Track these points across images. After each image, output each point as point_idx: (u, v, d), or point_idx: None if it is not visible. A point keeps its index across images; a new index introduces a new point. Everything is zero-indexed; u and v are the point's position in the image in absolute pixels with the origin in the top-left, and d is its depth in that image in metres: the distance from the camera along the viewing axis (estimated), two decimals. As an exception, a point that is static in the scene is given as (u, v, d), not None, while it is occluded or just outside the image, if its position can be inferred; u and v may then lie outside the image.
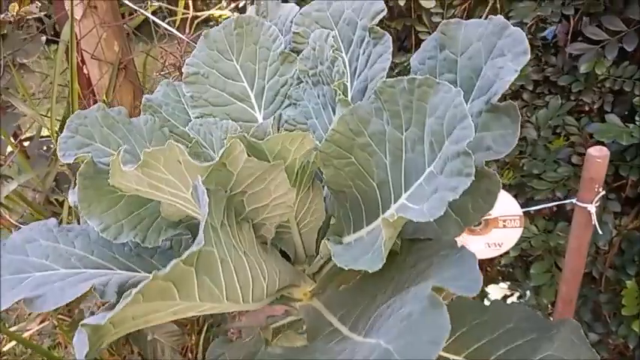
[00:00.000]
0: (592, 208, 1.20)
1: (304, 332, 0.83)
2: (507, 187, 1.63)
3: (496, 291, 1.93)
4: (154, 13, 2.29)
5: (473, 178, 0.56)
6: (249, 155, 0.67)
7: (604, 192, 1.20)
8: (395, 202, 0.71)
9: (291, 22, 0.98)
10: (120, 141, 0.85)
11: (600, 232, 1.23)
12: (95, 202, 0.77)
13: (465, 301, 0.88)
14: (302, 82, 0.93)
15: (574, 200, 1.23)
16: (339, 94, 0.76)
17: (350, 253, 0.69)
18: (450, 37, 0.75)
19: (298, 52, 0.95)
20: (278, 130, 0.94)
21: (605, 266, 1.65)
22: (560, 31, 1.55)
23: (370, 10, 0.89)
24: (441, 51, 0.76)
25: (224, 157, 0.65)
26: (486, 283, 1.98)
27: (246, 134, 0.69)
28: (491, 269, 2.07)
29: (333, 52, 0.80)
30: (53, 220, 0.84)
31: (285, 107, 0.95)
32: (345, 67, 0.92)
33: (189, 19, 2.19)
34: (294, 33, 0.96)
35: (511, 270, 1.91)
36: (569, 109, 1.56)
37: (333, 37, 0.82)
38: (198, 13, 2.20)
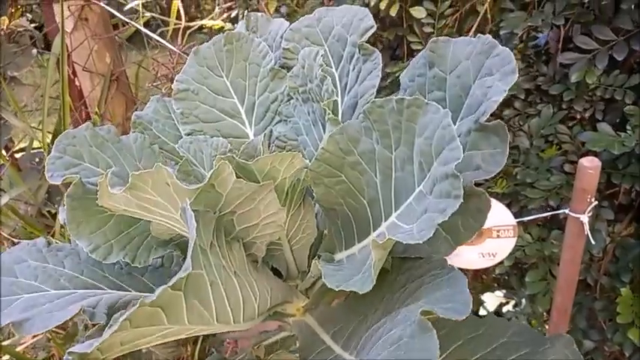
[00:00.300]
0: (584, 218, 1.20)
1: (296, 351, 0.82)
2: (501, 196, 1.63)
3: (492, 299, 1.93)
4: (147, 22, 2.29)
5: (461, 200, 0.56)
6: (238, 176, 0.67)
7: (596, 202, 1.21)
8: (385, 220, 0.71)
9: (281, 37, 0.98)
10: (109, 160, 0.84)
11: (593, 242, 1.23)
12: (84, 223, 0.77)
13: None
14: (292, 98, 0.93)
15: (567, 210, 1.24)
16: (329, 113, 0.76)
17: (340, 274, 0.69)
18: (439, 55, 0.75)
19: (288, 68, 0.95)
20: (269, 146, 0.93)
21: (600, 273, 1.66)
22: (551, 37, 1.56)
23: (360, 27, 0.89)
24: (430, 68, 0.77)
25: (212, 179, 0.65)
26: (482, 291, 1.98)
27: (235, 154, 0.69)
28: (487, 277, 2.07)
29: (321, 70, 0.80)
30: (42, 240, 0.84)
31: (276, 123, 0.95)
32: (335, 83, 0.92)
33: (181, 29, 2.19)
34: (284, 49, 0.96)
35: (507, 278, 1.91)
36: (562, 118, 1.57)
37: (322, 55, 0.82)
38: (190, 24, 2.20)
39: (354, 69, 0.88)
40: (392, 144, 0.67)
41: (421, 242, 0.57)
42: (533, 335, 0.82)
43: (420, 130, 0.63)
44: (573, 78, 1.46)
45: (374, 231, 0.74)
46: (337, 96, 0.91)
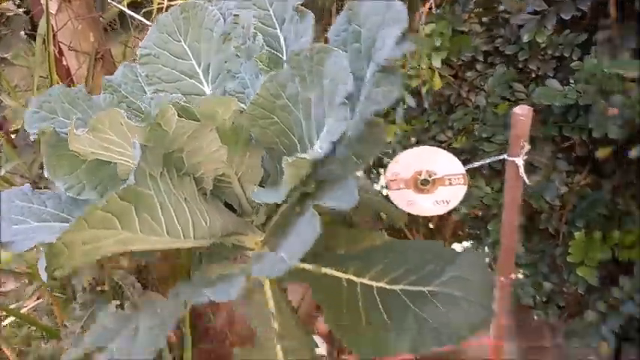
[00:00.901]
0: (519, 161, 1.31)
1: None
2: (460, 151, 1.75)
3: (459, 249, 2.06)
4: (134, 2, 2.40)
5: (346, 122, 0.69)
6: (180, 116, 0.80)
7: (529, 147, 1.32)
8: (311, 153, 0.85)
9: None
10: (80, 115, 0.98)
11: (528, 183, 1.34)
12: (58, 167, 0.91)
13: (392, 241, 1.03)
14: (239, 57, 1.05)
15: (505, 156, 1.36)
16: (259, 64, 0.89)
17: (265, 193, 0.83)
18: (355, 12, 0.88)
19: (238, 31, 1.08)
20: (223, 100, 1.06)
21: (561, 223, 1.77)
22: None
23: (298, -8, 1.01)
24: (350, 24, 0.89)
25: (159, 118, 0.78)
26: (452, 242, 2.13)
27: (179, 101, 0.82)
28: (463, 233, 2.22)
29: (254, 29, 0.93)
30: (28, 186, 0.98)
31: (229, 80, 1.08)
32: (279, 42, 1.04)
33: (164, 9, 2.30)
34: (234, 15, 1.09)
35: (478, 232, 2.04)
36: (520, 77, 1.67)
37: (255, 16, 0.95)
38: (172, 3, 2.31)
39: (293, 29, 1.01)
40: (308, 86, 0.80)
41: (321, 158, 0.71)
42: (451, 253, 0.97)
43: (326, 73, 0.76)
44: (525, 38, 1.57)
45: (304, 164, 0.87)
46: (282, 54, 1.03)
